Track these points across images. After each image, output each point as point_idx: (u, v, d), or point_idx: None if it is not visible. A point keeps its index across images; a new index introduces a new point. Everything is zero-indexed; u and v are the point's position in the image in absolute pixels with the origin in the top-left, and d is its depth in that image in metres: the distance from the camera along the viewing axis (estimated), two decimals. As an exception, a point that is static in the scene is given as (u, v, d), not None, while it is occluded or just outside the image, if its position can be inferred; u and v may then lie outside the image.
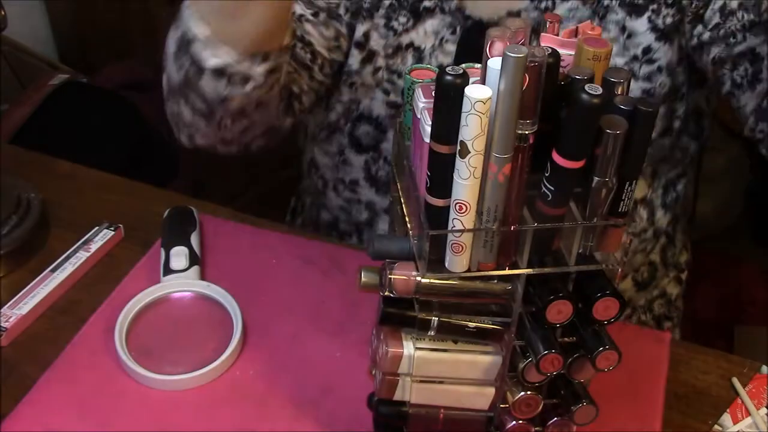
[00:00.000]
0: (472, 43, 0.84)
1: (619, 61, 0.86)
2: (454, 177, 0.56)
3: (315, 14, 0.89)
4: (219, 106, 0.80)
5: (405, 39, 0.87)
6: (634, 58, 0.86)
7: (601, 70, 0.58)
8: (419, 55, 0.87)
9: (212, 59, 0.75)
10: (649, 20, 0.84)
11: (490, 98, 0.52)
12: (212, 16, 0.74)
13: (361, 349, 0.81)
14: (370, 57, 0.89)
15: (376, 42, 0.89)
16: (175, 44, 0.79)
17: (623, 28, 0.85)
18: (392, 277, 0.61)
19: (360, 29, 0.88)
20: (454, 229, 0.58)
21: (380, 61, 0.89)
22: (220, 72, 0.76)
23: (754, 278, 1.66)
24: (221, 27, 0.74)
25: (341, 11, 0.89)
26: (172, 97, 0.84)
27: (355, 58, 0.90)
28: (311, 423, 0.75)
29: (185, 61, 0.78)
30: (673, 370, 0.81)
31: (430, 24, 0.86)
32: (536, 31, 0.86)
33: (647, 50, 0.85)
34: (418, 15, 0.86)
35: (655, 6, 0.84)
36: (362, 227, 1.01)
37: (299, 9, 0.88)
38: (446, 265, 0.60)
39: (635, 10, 0.84)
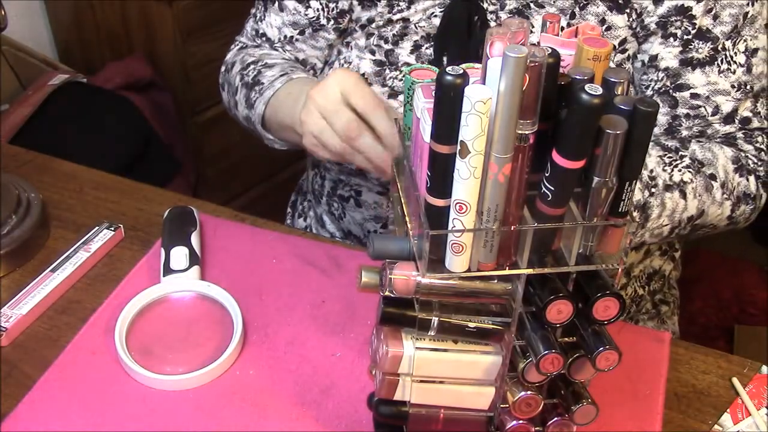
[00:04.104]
0: (456, 14, 0.92)
1: None
2: (455, 177, 0.56)
3: (301, 32, 1.04)
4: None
5: (398, 16, 0.95)
6: (612, 47, 0.89)
7: (601, 70, 0.58)
8: (407, 25, 0.95)
9: (268, 140, 1.04)
10: (629, 17, 0.90)
11: (490, 98, 0.52)
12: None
13: (361, 349, 0.81)
14: (364, 26, 0.99)
15: (376, 22, 0.97)
16: (245, 109, 1.04)
17: (603, 21, 0.90)
18: (392, 277, 0.61)
19: (365, 15, 0.97)
20: (454, 229, 0.58)
21: (373, 30, 0.98)
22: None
23: (754, 278, 1.66)
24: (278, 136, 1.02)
25: (323, 22, 1.01)
26: (236, 116, 1.09)
27: (354, 24, 1.00)
28: (311, 423, 0.75)
29: (251, 126, 1.04)
30: (673, 370, 0.81)
31: (422, 4, 0.94)
32: (519, 12, 0.88)
33: (623, 41, 0.91)
34: None
35: (629, 10, 0.90)
36: (358, 181, 1.04)
37: (288, 32, 1.04)
38: (446, 265, 0.60)
39: (617, 7, 0.90)
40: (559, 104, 0.57)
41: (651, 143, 0.91)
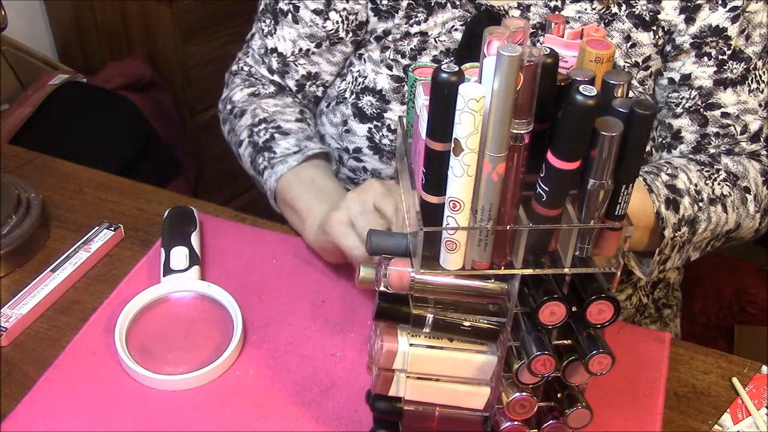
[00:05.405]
0: (479, 29, 0.89)
1: (619, 63, 0.90)
2: (449, 174, 0.56)
3: (318, 45, 1.00)
4: None
5: (415, 29, 0.93)
6: (635, 64, 0.90)
7: (603, 72, 0.58)
8: (425, 39, 0.93)
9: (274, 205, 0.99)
10: (654, 35, 0.89)
11: (483, 96, 0.52)
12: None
13: (361, 348, 0.81)
14: (380, 38, 0.96)
15: (393, 35, 0.95)
16: (250, 168, 1.02)
17: (628, 37, 0.89)
18: (387, 272, 0.61)
19: (381, 27, 0.95)
20: (447, 226, 0.58)
21: (389, 43, 0.96)
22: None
23: (754, 278, 1.65)
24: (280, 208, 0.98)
25: (342, 35, 0.98)
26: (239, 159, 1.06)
27: (369, 36, 0.97)
28: (311, 423, 0.75)
29: (256, 181, 1.02)
30: (673, 370, 0.81)
31: (441, 16, 0.92)
32: (543, 27, 0.88)
33: (647, 59, 0.90)
34: (431, 9, 0.92)
35: (655, 28, 0.89)
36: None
37: (304, 44, 1.00)
38: (440, 262, 0.60)
39: (643, 25, 0.88)
40: (559, 105, 0.57)
41: (685, 160, 0.90)
